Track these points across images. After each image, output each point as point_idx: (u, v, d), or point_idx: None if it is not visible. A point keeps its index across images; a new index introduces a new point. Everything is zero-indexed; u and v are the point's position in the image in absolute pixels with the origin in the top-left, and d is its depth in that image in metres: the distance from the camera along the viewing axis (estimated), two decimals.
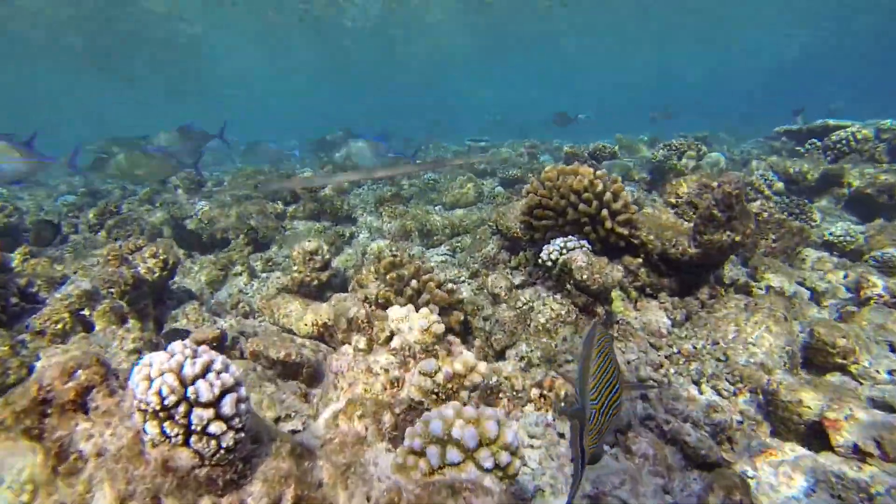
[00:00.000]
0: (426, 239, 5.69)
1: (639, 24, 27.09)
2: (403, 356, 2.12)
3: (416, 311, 2.76)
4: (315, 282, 4.04)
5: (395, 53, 29.43)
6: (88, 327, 3.47)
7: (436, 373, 2.06)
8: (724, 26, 28.18)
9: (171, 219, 6.24)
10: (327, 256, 4.10)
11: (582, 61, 40.58)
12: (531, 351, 3.54)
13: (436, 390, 2.05)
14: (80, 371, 1.50)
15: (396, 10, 20.54)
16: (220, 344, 3.70)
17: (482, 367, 2.13)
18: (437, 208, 6.86)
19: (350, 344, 2.29)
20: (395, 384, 2.04)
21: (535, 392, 3.09)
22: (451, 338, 2.32)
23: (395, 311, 2.33)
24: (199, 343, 3.57)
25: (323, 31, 23.18)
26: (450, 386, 2.06)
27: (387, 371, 2.08)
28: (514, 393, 2.93)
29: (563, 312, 3.52)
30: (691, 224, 4.34)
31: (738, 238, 3.59)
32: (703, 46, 35.13)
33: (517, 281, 4.49)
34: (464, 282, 4.91)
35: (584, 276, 3.55)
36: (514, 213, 5.56)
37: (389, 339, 2.21)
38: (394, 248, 5.14)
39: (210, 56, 28.21)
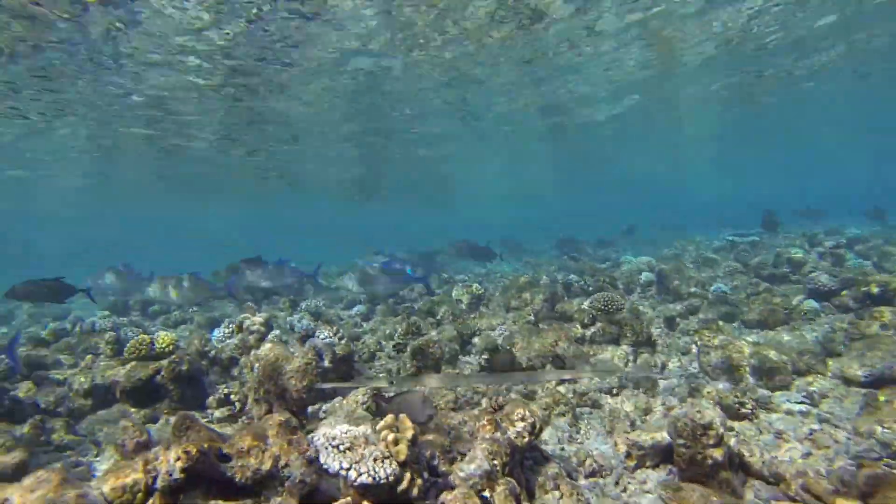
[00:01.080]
0: (763, 377, 4.89)
1: None
2: None
3: None
4: (709, 460, 3.54)
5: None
6: None
7: None
8: None
9: (459, 336, 6.37)
10: (721, 430, 3.58)
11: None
12: None
13: None
14: None
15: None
16: None
17: None
18: (737, 325, 6.05)
19: None
20: None
21: None
22: None
23: None
24: None
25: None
26: None
27: None
28: None
29: None
30: None
31: None
32: None
33: None
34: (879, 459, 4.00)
35: None
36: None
37: None
38: (742, 397, 4.47)
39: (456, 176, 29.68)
